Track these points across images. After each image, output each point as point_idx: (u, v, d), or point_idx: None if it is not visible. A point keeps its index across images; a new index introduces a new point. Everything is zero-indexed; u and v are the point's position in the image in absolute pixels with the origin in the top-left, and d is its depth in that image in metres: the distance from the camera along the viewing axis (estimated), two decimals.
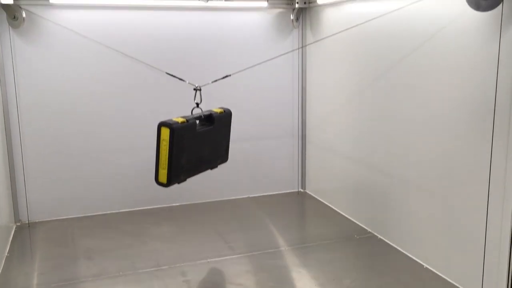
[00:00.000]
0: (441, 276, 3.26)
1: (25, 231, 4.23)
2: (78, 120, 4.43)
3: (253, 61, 4.84)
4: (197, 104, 3.36)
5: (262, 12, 4.81)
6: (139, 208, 4.71)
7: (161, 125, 2.97)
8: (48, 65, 4.27)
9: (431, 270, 3.35)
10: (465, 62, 2.94)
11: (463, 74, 2.96)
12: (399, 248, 3.70)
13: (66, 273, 3.43)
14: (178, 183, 3.12)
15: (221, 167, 4.87)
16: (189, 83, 3.51)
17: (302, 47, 4.92)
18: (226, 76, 3.67)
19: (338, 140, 4.52)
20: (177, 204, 4.84)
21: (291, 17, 4.87)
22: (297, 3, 4.71)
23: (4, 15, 4.05)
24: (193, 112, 3.31)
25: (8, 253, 3.77)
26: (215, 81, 3.62)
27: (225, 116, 3.48)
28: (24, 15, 4.10)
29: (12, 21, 4.08)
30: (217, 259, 3.62)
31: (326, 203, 4.81)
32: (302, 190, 5.25)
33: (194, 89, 3.42)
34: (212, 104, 4.43)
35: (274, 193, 5.16)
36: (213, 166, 3.54)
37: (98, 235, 4.11)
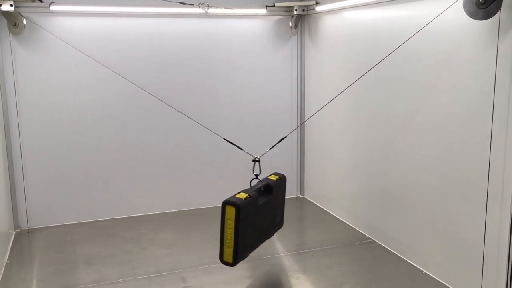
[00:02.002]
0: (440, 282, 3.28)
1: (24, 238, 4.23)
2: (78, 127, 4.44)
3: (252, 67, 4.89)
4: (256, 176, 3.33)
5: (261, 19, 4.84)
6: (138, 214, 4.72)
7: (225, 203, 2.88)
8: (48, 72, 4.29)
9: (430, 276, 3.36)
10: (465, 67, 2.97)
11: (463, 79, 2.99)
12: (398, 254, 3.71)
13: (65, 280, 3.43)
14: (242, 259, 3.06)
15: (221, 173, 4.92)
16: (247, 153, 3.48)
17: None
18: (282, 139, 3.61)
19: (336, 146, 4.54)
20: (176, 210, 4.85)
21: (290, 24, 4.90)
22: (296, 10, 4.74)
23: (5, 22, 4.07)
24: (251, 184, 3.26)
25: (8, 259, 3.78)
26: (272, 147, 3.57)
27: (281, 183, 3.41)
28: (24, 22, 4.12)
29: (13, 28, 4.10)
30: (217, 264, 3.61)
31: (325, 209, 4.82)
32: (301, 196, 5.26)
33: (253, 160, 3.39)
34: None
35: None
36: (270, 235, 3.44)
37: (98, 241, 4.11)
